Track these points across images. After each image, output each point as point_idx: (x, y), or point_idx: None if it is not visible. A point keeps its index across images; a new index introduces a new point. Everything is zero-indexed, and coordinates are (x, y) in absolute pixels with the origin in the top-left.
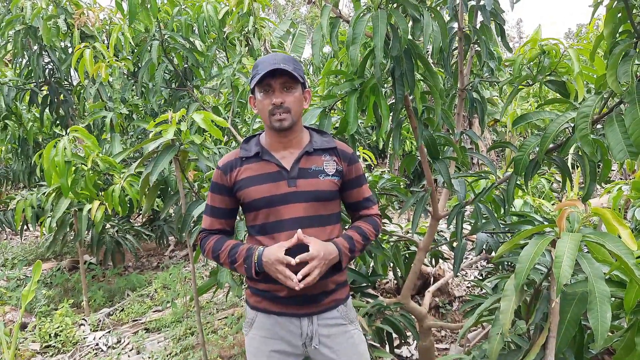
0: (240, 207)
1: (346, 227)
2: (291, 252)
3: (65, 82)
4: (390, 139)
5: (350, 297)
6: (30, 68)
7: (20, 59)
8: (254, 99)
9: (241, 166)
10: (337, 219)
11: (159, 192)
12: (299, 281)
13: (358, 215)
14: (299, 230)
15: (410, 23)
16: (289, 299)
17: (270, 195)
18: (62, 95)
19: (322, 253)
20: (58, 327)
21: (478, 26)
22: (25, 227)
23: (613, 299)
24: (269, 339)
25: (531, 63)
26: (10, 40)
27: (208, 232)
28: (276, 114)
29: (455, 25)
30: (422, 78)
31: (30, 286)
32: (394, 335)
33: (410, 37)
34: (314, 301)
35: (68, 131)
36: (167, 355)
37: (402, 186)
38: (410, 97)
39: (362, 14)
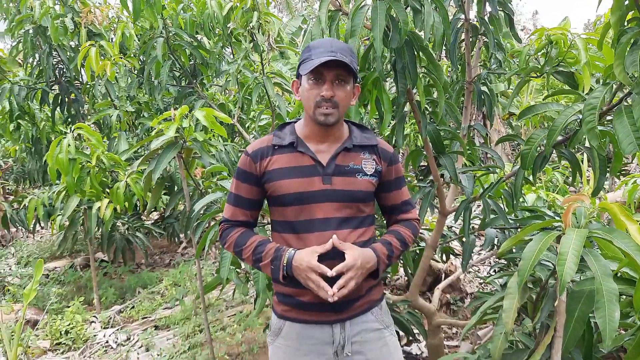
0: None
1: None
2: (324, 256)
3: (76, 81)
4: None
5: (385, 298)
6: (40, 67)
7: (30, 59)
8: (298, 83)
9: (272, 155)
10: (371, 221)
11: (166, 190)
12: (334, 292)
13: (395, 219)
14: (334, 236)
15: (411, 14)
16: (319, 305)
17: (302, 192)
18: (72, 94)
19: (359, 262)
20: (69, 324)
21: (487, 17)
22: (37, 225)
23: (623, 296)
24: (297, 350)
25: (539, 54)
26: (21, 39)
27: (230, 223)
28: (323, 106)
29: (463, 16)
30: (425, 71)
31: (32, 285)
32: (402, 333)
33: (414, 29)
34: (346, 306)
35: (72, 128)
36: (176, 353)
37: (408, 180)
38: (414, 91)
39: (360, 6)
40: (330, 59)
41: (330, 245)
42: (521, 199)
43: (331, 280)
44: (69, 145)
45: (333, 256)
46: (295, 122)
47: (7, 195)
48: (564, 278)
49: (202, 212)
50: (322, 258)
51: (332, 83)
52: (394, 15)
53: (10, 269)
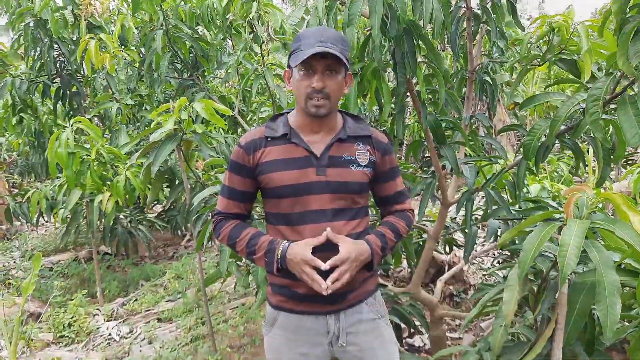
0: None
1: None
2: (318, 248)
3: (77, 74)
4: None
5: (379, 289)
6: (42, 61)
7: (32, 52)
8: (289, 73)
9: (266, 147)
10: (365, 212)
11: (167, 183)
12: (328, 286)
13: (389, 210)
14: (328, 229)
15: (410, 2)
16: (313, 296)
17: (296, 183)
18: (74, 87)
19: (353, 254)
20: (72, 317)
21: (489, 5)
22: (41, 218)
23: (627, 288)
24: (292, 341)
25: (540, 41)
26: (22, 33)
27: (224, 216)
28: (314, 98)
29: (464, 4)
30: (425, 60)
31: (30, 278)
32: (404, 325)
33: (415, 19)
34: (341, 297)
35: (71, 122)
36: (178, 345)
37: (410, 172)
38: (414, 80)
39: None
40: (321, 52)
41: (324, 238)
42: (525, 190)
43: (325, 273)
44: (68, 139)
45: (327, 249)
46: (287, 113)
47: (12, 189)
48: (565, 270)
49: (202, 204)
50: (316, 250)
51: (322, 74)
52: (392, 4)
53: (14, 262)
